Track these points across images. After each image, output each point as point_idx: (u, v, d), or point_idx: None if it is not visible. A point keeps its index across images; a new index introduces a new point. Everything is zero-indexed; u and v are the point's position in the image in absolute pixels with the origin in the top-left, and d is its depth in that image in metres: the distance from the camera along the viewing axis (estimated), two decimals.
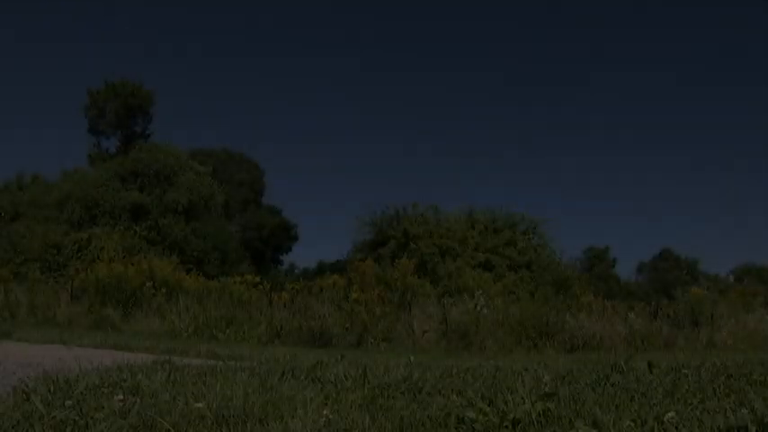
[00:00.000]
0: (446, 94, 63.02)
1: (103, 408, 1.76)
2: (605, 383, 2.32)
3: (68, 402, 1.80)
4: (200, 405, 1.73)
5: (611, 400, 1.92)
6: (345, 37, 60.99)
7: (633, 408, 1.78)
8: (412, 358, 4.03)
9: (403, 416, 1.71)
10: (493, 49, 61.00)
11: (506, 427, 1.62)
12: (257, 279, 11.18)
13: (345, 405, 1.88)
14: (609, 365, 2.93)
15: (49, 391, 2.04)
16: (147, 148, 25.37)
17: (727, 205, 64.57)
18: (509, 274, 17.11)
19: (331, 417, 1.62)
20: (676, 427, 1.54)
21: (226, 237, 25.88)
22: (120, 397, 1.80)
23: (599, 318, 8.66)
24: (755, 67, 54.70)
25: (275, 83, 58.36)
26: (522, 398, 1.79)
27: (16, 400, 1.93)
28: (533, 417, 1.64)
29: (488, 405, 1.77)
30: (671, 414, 1.60)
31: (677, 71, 59.53)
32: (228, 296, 9.87)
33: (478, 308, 8.38)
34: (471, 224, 19.45)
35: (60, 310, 9.35)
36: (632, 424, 1.58)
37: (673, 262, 59.72)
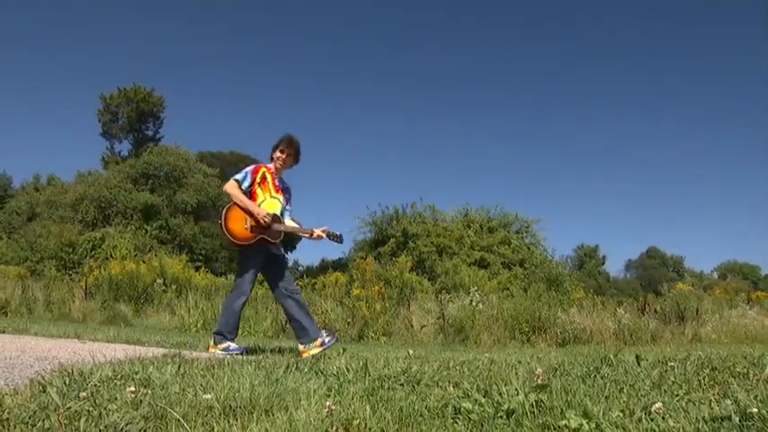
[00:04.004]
0: (445, 96, 63.01)
1: (116, 399, 1.75)
2: (595, 375, 2.32)
3: (83, 394, 1.80)
4: (208, 396, 1.73)
5: (601, 392, 1.92)
6: (346, 40, 60.99)
7: (622, 399, 1.77)
8: (411, 352, 4.03)
9: (402, 406, 1.71)
10: (491, 54, 60.97)
11: (501, 417, 1.62)
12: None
13: (347, 396, 1.88)
14: (599, 358, 2.92)
15: (65, 383, 2.04)
16: (158, 151, 25.45)
17: (712, 206, 64.61)
18: (503, 271, 17.12)
19: (333, 407, 1.62)
20: (663, 418, 1.54)
21: None
22: (133, 389, 1.80)
23: (589, 313, 8.66)
24: (738, 70, 54.69)
25: (279, 86, 58.32)
26: (516, 389, 1.79)
27: (33, 392, 1.93)
28: (527, 407, 1.64)
29: (484, 396, 1.77)
30: (658, 405, 1.59)
31: (665, 76, 59.51)
32: None
33: (474, 304, 8.38)
34: (467, 224, 19.47)
35: (75, 306, 9.35)
36: (621, 414, 1.58)
37: (659, 260, 59.98)
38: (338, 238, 4.42)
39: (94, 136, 29.26)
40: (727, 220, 68.82)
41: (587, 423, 1.50)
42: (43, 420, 1.54)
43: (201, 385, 1.99)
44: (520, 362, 3.00)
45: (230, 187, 4.15)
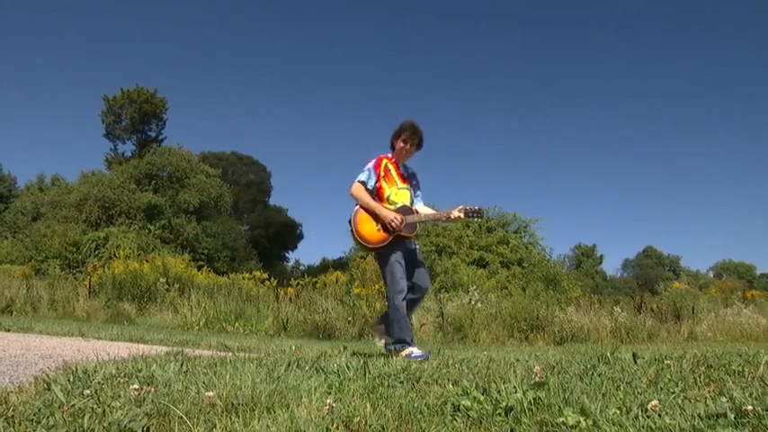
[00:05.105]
0: (444, 96, 63.09)
1: (120, 396, 1.75)
2: (592, 373, 2.32)
3: (87, 391, 1.80)
4: (210, 394, 1.73)
5: (598, 389, 1.92)
6: (346, 41, 61.00)
7: (619, 396, 1.77)
8: None
9: (402, 404, 1.71)
10: (490, 54, 60.96)
11: (499, 414, 1.62)
12: (265, 275, 11.18)
13: (348, 394, 1.88)
14: (596, 356, 2.92)
15: (69, 380, 2.04)
16: (161, 151, 25.48)
17: (708, 206, 64.68)
18: (502, 270, 17.10)
19: (334, 405, 1.62)
20: (659, 415, 1.54)
21: (235, 235, 25.94)
22: (136, 386, 1.80)
23: (586, 311, 8.67)
24: (734, 71, 54.71)
25: (280, 87, 58.31)
26: (515, 387, 1.79)
27: (37, 390, 1.93)
28: (525, 405, 1.64)
29: (482, 394, 1.77)
30: (654, 402, 1.59)
31: (662, 77, 59.54)
32: (237, 291, 9.88)
33: (473, 302, 8.38)
34: (466, 223, 19.45)
35: (79, 305, 9.35)
36: (618, 411, 1.58)
37: (656, 259, 59.98)
38: (478, 213, 3.99)
39: (98, 137, 29.36)
40: (722, 219, 68.92)
41: (584, 420, 1.50)
42: (47, 417, 1.54)
43: (204, 383, 1.99)
44: (518, 360, 3.00)
45: (356, 190, 3.85)
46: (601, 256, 53.56)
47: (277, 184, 39.09)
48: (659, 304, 9.52)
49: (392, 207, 3.80)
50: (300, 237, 37.47)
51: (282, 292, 9.82)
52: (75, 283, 10.68)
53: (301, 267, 35.48)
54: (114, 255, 14.00)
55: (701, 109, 61.81)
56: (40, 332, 5.49)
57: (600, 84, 62.29)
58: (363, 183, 3.86)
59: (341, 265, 20.15)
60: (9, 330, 5.56)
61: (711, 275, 54.87)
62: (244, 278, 10.92)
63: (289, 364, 2.51)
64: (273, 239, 34.70)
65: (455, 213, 3.89)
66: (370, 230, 3.76)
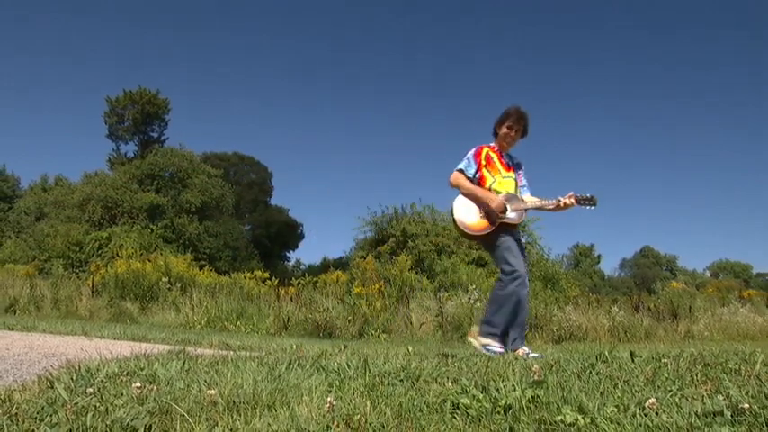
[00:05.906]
0: (444, 97, 63.06)
1: (122, 395, 1.76)
2: (590, 372, 2.32)
3: (90, 390, 1.80)
4: (212, 392, 1.73)
5: (596, 387, 1.92)
6: (348, 43, 61.01)
7: (616, 394, 1.77)
8: (410, 348, 4.02)
9: (401, 402, 1.71)
10: (488, 57, 60.96)
11: (498, 412, 1.62)
12: (266, 274, 11.17)
13: (348, 392, 1.88)
14: (594, 355, 2.92)
15: (72, 379, 2.04)
16: (163, 152, 25.48)
17: (705, 206, 64.68)
18: None
19: (334, 403, 1.62)
20: (656, 413, 1.54)
21: (236, 235, 25.94)
22: (138, 384, 1.80)
23: (584, 311, 8.66)
24: (731, 71, 54.72)
25: (282, 88, 58.30)
26: (513, 385, 1.79)
27: (41, 388, 1.93)
28: (523, 403, 1.64)
29: (481, 392, 1.77)
30: (652, 400, 1.59)
31: (658, 77, 59.58)
32: (239, 290, 9.88)
33: (472, 301, 8.37)
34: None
35: (82, 304, 9.34)
36: (615, 409, 1.58)
37: (653, 258, 60.01)
38: (590, 201, 3.63)
39: (101, 138, 29.34)
40: (719, 219, 68.97)
41: (583, 418, 1.50)
42: (51, 415, 1.54)
43: (206, 381, 1.99)
44: (516, 358, 2.99)
45: (455, 178, 3.70)
46: (598, 256, 53.65)
47: (278, 185, 39.04)
48: (656, 303, 9.51)
49: None
50: (301, 236, 37.45)
51: (283, 292, 9.82)
52: (78, 283, 10.68)
53: (302, 267, 35.46)
54: (117, 254, 14.00)
55: (698, 109, 61.86)
56: (44, 331, 5.49)
57: (600, 84, 62.32)
58: (462, 171, 3.72)
59: (341, 264, 20.14)
60: (13, 329, 5.56)
61: (708, 275, 54.92)
62: (245, 277, 10.91)
63: (290, 363, 2.51)
64: (274, 239, 34.67)
65: (565, 200, 3.60)
66: (474, 217, 3.60)
